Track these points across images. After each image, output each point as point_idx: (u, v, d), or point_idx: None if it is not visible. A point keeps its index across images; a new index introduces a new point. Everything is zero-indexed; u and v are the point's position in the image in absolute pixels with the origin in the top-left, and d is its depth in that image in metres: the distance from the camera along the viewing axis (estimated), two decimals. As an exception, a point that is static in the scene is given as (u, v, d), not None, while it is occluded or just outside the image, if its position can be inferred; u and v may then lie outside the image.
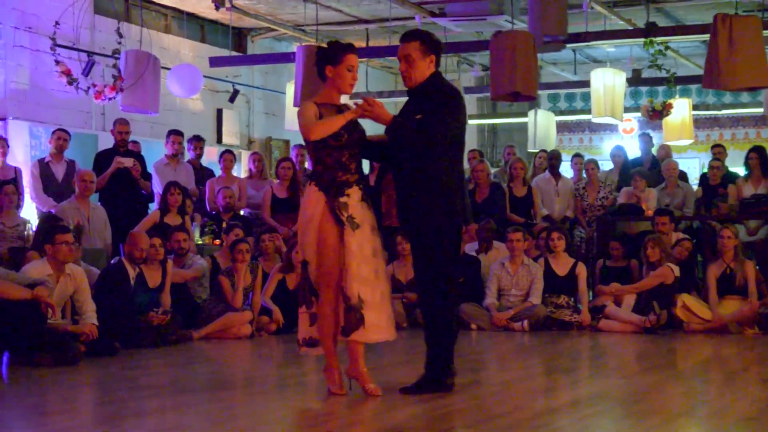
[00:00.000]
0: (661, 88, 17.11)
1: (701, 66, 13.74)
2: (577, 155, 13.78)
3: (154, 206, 11.50)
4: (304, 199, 6.01)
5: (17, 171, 11.02)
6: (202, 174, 12.38)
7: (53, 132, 11.24)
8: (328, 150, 5.88)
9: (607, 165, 14.44)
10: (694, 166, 17.58)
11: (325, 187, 5.89)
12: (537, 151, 14.66)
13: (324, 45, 6.13)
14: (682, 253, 10.89)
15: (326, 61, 5.99)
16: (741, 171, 12.52)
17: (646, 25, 12.87)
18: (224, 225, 11.08)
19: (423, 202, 5.97)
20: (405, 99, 6.28)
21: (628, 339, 9.78)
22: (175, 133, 12.00)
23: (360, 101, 5.93)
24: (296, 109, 12.64)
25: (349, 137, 5.89)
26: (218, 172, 12.46)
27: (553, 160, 13.14)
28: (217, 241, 11.26)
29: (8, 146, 11.07)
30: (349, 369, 5.99)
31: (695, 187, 12.83)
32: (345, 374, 6.01)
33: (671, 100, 13.86)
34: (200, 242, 11.32)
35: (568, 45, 12.82)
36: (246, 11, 14.21)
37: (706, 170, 13.21)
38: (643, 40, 12.70)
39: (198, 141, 12.51)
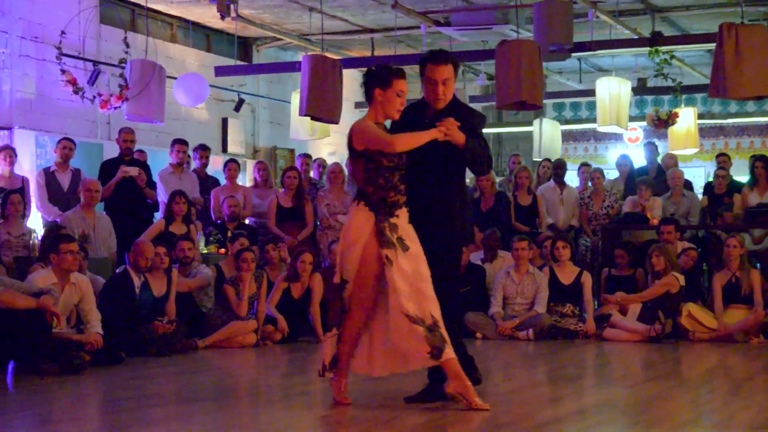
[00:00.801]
0: (666, 97, 17.11)
1: (707, 75, 13.78)
2: (584, 164, 13.78)
3: (159, 215, 11.51)
4: (351, 219, 5.94)
5: (24, 180, 11.02)
6: (207, 183, 12.39)
7: (58, 141, 11.25)
8: (381, 170, 5.85)
9: (612, 174, 14.43)
10: (699, 175, 17.57)
11: (375, 208, 5.86)
12: (541, 160, 14.65)
13: (373, 68, 6.09)
14: (688, 263, 10.88)
15: (375, 83, 5.95)
16: (746, 180, 12.50)
17: (651, 34, 12.87)
18: (229, 234, 11.09)
19: (445, 217, 6.06)
20: None
21: (634, 348, 9.76)
22: (180, 142, 12.01)
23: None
24: (301, 118, 12.73)
25: (400, 158, 5.89)
26: (223, 181, 12.47)
27: (557, 169, 13.14)
28: (222, 250, 11.27)
29: (16, 155, 11.08)
30: (451, 385, 5.85)
31: (700, 196, 12.81)
32: (447, 391, 5.93)
33: (677, 109, 13.87)
34: (205, 251, 11.33)
35: (574, 54, 12.82)
36: (251, 21, 14.23)
37: (711, 179, 13.19)
38: (648, 49, 12.70)
39: (203, 150, 12.53)
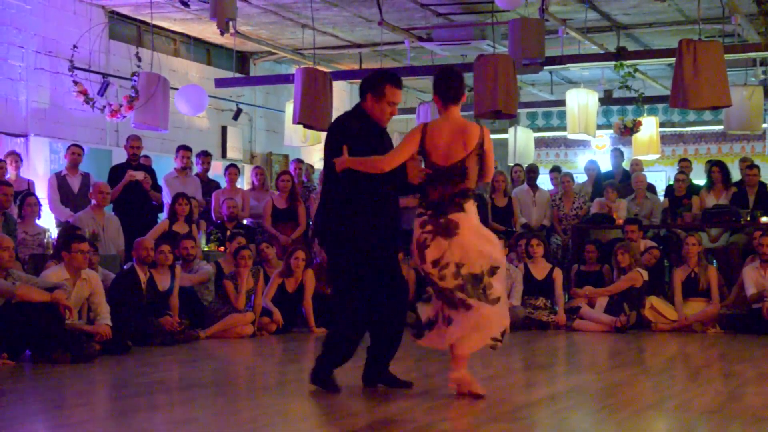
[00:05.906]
0: (630, 107, 17.14)
1: (667, 87, 13.80)
2: (555, 169, 13.82)
3: (163, 216, 11.48)
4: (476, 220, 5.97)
5: (30, 183, 11.00)
6: (209, 186, 12.37)
7: (68, 148, 11.21)
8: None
9: (581, 178, 14.46)
10: (660, 178, 17.61)
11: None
12: (512, 165, 14.67)
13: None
14: (651, 261, 10.90)
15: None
16: (703, 183, 12.54)
17: (616, 49, 12.89)
18: (228, 233, 11.07)
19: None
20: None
21: (601, 338, 9.78)
22: (184, 149, 11.99)
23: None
24: (295, 126, 12.72)
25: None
26: (224, 184, 12.45)
27: (530, 173, 13.18)
28: (222, 248, 11.25)
29: (21, 161, 11.02)
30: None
31: (662, 198, 12.84)
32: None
33: (640, 118, 13.91)
34: (206, 249, 11.31)
35: (546, 67, 12.84)
36: (249, 36, 14.20)
37: (671, 182, 13.23)
38: (614, 63, 12.73)
39: (205, 156, 12.51)
